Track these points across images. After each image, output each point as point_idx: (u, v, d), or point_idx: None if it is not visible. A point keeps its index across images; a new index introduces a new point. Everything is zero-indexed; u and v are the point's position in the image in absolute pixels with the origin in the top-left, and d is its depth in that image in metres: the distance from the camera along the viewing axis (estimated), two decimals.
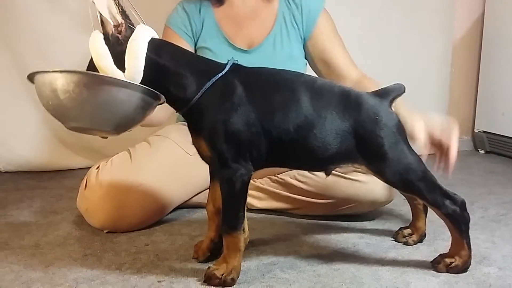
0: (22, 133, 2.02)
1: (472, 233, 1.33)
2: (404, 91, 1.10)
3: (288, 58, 1.46)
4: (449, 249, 1.10)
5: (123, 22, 0.96)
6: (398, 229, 1.29)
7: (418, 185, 1.05)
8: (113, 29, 0.96)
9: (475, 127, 2.59)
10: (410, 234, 1.26)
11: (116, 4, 0.95)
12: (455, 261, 1.08)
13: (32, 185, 1.83)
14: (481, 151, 2.56)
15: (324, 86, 1.07)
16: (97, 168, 1.39)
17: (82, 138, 2.03)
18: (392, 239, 1.28)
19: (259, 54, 1.45)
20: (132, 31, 0.97)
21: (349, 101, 1.04)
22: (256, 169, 1.05)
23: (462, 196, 1.10)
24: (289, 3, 1.48)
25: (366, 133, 1.03)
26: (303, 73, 1.11)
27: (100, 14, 0.94)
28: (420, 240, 1.25)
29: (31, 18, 1.94)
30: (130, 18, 0.99)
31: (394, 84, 1.10)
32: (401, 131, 1.06)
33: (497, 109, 2.43)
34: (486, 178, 2.01)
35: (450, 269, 1.08)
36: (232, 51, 1.44)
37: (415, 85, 2.36)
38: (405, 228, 1.28)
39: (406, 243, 1.24)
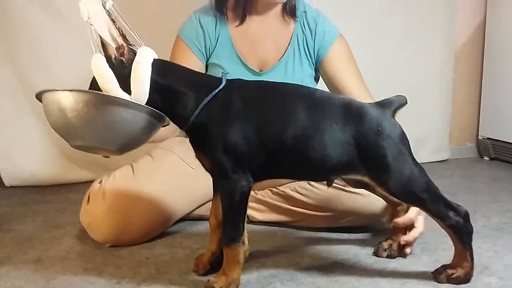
0: (26, 147, 2.03)
1: (474, 242, 1.32)
2: (406, 103, 1.10)
3: (298, 83, 1.45)
4: (452, 260, 1.09)
5: (124, 44, 0.97)
6: (377, 244, 1.26)
7: (422, 196, 1.04)
8: (115, 52, 0.97)
9: (479, 134, 2.57)
10: (391, 245, 1.23)
11: (116, 27, 0.96)
12: (456, 272, 1.07)
13: (37, 199, 1.85)
14: (486, 158, 2.55)
15: (323, 97, 1.07)
16: (99, 182, 1.40)
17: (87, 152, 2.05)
18: None
19: (270, 78, 1.38)
20: (134, 53, 0.99)
21: (350, 113, 1.05)
22: (258, 181, 1.06)
23: (465, 204, 1.10)
24: (304, 27, 1.45)
25: (368, 144, 1.03)
26: (301, 85, 1.12)
27: (101, 36, 0.96)
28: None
29: (33, 31, 1.96)
30: (127, 38, 1.00)
31: (396, 96, 1.10)
32: (404, 142, 1.06)
33: (502, 115, 2.41)
34: (491, 185, 2.00)
35: (451, 280, 1.07)
36: (244, 71, 1.43)
37: (417, 92, 2.36)
38: (385, 240, 1.25)
39: (389, 256, 1.22)
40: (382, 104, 1.08)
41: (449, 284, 1.07)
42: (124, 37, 0.98)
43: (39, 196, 1.90)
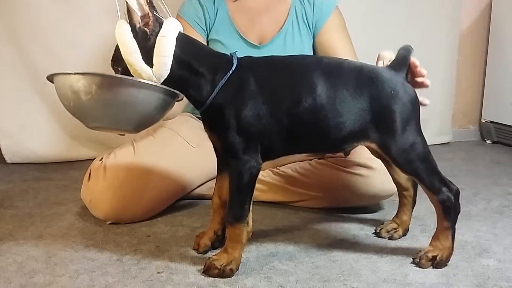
0: (28, 125, 2.03)
1: (473, 224, 1.34)
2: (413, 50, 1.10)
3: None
4: (431, 241, 1.09)
5: (150, 13, 0.95)
6: (380, 224, 1.27)
7: (420, 166, 1.04)
8: (140, 21, 0.95)
9: (482, 117, 2.56)
10: (395, 229, 1.23)
11: None
12: (438, 253, 1.06)
13: (38, 176, 1.85)
14: (488, 141, 2.54)
15: (331, 64, 1.06)
16: (100, 160, 1.40)
17: (88, 129, 2.05)
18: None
19: (270, 50, 1.41)
20: (159, 24, 0.97)
21: (361, 77, 1.03)
22: (272, 158, 1.08)
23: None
24: None
25: (381, 108, 1.02)
26: (307, 55, 1.11)
27: (127, 3, 0.94)
28: (404, 234, 1.24)
29: (35, 12, 1.95)
30: (155, 7, 0.98)
31: (402, 49, 1.10)
32: (415, 107, 1.05)
33: (505, 99, 2.40)
34: (492, 168, 1.99)
35: (436, 264, 1.05)
36: (244, 46, 1.43)
37: None
38: (389, 222, 1.26)
39: (391, 238, 1.22)
40: (394, 66, 1.08)
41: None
42: (151, 5, 0.96)
43: (41, 173, 1.90)
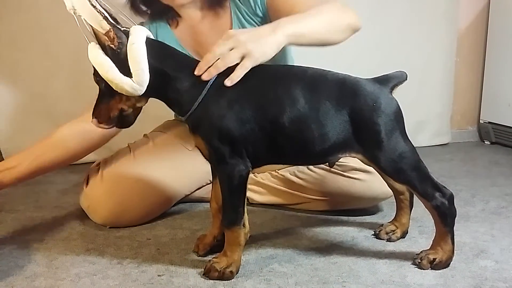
0: (28, 128, 2.04)
1: (471, 225, 1.35)
2: (406, 79, 1.09)
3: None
4: (432, 244, 1.10)
5: (110, 27, 0.95)
6: (379, 225, 1.28)
7: (411, 175, 1.04)
8: (106, 39, 0.96)
9: (480, 118, 2.57)
10: (393, 231, 1.24)
11: (97, 11, 0.93)
12: (438, 256, 1.07)
13: (39, 180, 1.84)
14: (487, 142, 2.55)
15: (315, 76, 1.06)
16: (97, 165, 1.42)
17: None
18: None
19: None
20: (125, 33, 0.97)
21: (344, 89, 1.04)
22: (257, 166, 1.06)
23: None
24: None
25: (363, 120, 1.02)
26: (293, 65, 1.11)
27: (90, 25, 0.95)
28: (403, 236, 1.25)
29: (34, 13, 1.96)
30: (117, 21, 0.98)
31: (396, 71, 1.09)
32: (399, 118, 1.05)
33: (503, 100, 2.40)
34: (490, 169, 2.00)
35: (434, 266, 1.07)
36: None
37: (419, 75, 2.36)
38: (388, 224, 1.27)
39: (389, 240, 1.23)
40: (380, 80, 1.08)
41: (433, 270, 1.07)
42: (110, 19, 0.96)
43: (41, 177, 1.86)
